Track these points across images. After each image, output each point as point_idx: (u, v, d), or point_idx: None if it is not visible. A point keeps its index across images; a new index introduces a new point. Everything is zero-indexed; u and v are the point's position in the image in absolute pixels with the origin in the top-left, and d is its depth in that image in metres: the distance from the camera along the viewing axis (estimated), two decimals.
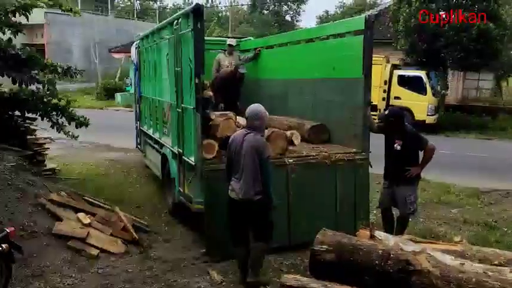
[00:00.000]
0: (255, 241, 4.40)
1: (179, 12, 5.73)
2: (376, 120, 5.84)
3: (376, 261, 3.22)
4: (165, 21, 6.75)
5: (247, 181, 4.22)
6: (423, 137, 5.29)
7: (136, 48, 9.29)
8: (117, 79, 26.80)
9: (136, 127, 9.69)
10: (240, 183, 4.27)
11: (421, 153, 5.24)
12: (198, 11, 4.90)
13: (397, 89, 15.95)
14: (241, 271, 4.51)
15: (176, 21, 5.57)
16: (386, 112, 5.56)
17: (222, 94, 7.53)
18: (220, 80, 7.80)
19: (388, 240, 3.73)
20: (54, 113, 7.35)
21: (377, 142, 5.57)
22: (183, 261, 5.03)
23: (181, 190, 5.66)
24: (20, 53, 6.73)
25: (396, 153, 5.22)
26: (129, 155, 10.78)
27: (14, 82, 6.74)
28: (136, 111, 9.74)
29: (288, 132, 5.82)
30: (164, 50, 6.58)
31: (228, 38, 10.18)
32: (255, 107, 4.41)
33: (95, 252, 4.96)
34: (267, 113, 4.51)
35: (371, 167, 5.70)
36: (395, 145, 5.22)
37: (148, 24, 30.93)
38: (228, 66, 8.28)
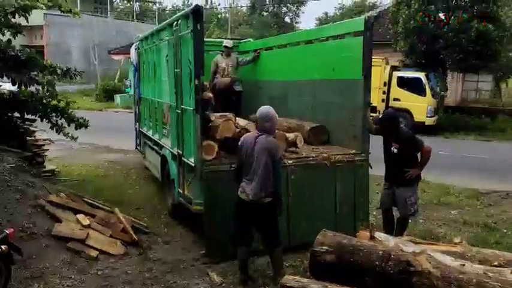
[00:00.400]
0: (269, 249, 4.45)
1: (179, 14, 5.73)
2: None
3: (377, 262, 3.21)
4: (164, 22, 6.75)
5: (258, 183, 4.23)
6: (418, 139, 5.29)
7: (136, 49, 9.29)
8: (116, 80, 26.81)
9: (136, 128, 9.69)
10: (251, 184, 4.27)
11: (418, 155, 5.25)
12: (197, 12, 4.90)
13: (396, 91, 15.96)
14: (242, 272, 4.50)
15: (176, 22, 5.57)
16: (381, 116, 5.57)
17: (222, 106, 7.46)
18: (218, 92, 7.77)
19: (388, 241, 3.73)
20: (53, 114, 7.35)
21: (377, 143, 5.57)
22: (182, 262, 5.02)
23: (181, 191, 5.65)
24: (19, 54, 6.73)
25: (394, 156, 5.23)
26: (129, 157, 10.77)
27: (13, 83, 6.74)
28: (135, 112, 9.74)
29: (292, 135, 5.81)
30: (164, 51, 6.58)
31: (225, 39, 10.15)
32: (265, 109, 4.42)
33: (94, 253, 4.95)
34: (277, 114, 4.51)
35: (371, 168, 5.70)
36: (392, 148, 5.24)
37: (148, 26, 30.91)
38: (225, 68, 8.25)
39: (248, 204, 4.30)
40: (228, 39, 10.01)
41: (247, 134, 4.66)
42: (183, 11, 5.68)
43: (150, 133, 7.99)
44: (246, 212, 4.34)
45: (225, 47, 8.42)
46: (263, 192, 4.23)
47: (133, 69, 9.77)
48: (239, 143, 4.49)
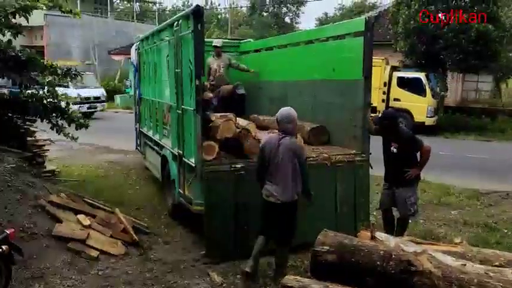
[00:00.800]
0: (277, 245, 4.51)
1: (179, 14, 5.73)
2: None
3: (378, 262, 3.21)
4: (165, 22, 6.75)
5: (288, 184, 4.30)
6: (418, 139, 5.29)
7: (136, 50, 9.29)
8: (116, 81, 26.81)
9: (136, 129, 9.69)
10: (277, 186, 4.33)
11: (418, 154, 5.25)
12: (198, 12, 4.89)
13: (396, 91, 15.98)
14: (253, 259, 4.47)
15: (176, 22, 5.57)
16: (380, 115, 5.57)
17: (225, 109, 7.43)
18: (222, 98, 7.73)
19: (389, 241, 3.72)
20: (54, 114, 7.35)
21: (377, 144, 5.57)
22: (183, 262, 5.02)
23: (181, 191, 5.65)
24: (19, 54, 6.73)
25: (394, 156, 5.23)
26: (129, 157, 10.77)
27: (13, 84, 6.74)
28: (136, 112, 9.74)
29: None
30: (164, 51, 6.57)
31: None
32: (287, 110, 4.47)
33: (94, 253, 4.94)
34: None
35: (371, 168, 5.69)
36: (391, 148, 5.24)
37: (148, 26, 30.88)
38: (216, 70, 8.21)
39: (277, 206, 4.34)
40: (221, 39, 9.92)
41: (270, 135, 4.74)
42: (183, 12, 5.68)
43: (150, 133, 7.99)
44: (275, 213, 4.40)
45: (215, 46, 8.33)
46: (294, 192, 4.33)
47: (134, 70, 9.77)
48: (261, 145, 4.56)
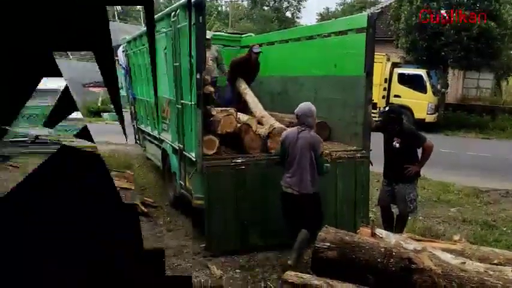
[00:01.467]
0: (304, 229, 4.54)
1: (177, 3, 5.57)
2: (376, 118, 5.82)
3: (379, 259, 3.21)
4: (161, 12, 6.42)
5: (306, 176, 4.41)
6: (421, 135, 5.29)
7: (123, 51, 9.18)
8: (99, 103, 20.81)
9: (134, 126, 9.65)
10: (295, 178, 4.44)
11: (419, 151, 5.24)
12: (199, 5, 4.78)
13: (397, 87, 15.94)
14: (297, 252, 4.47)
15: (174, 13, 5.45)
16: (387, 109, 5.56)
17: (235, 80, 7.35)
18: (235, 65, 7.58)
19: (390, 238, 3.72)
20: None
21: (377, 141, 5.55)
22: (185, 247, 5.08)
23: (183, 183, 5.64)
24: None
25: (395, 151, 5.21)
26: (129, 149, 10.69)
27: None
28: (131, 111, 9.67)
29: None
30: (161, 43, 6.30)
31: (229, 33, 9.98)
32: (307, 105, 4.64)
33: None
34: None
35: (371, 165, 5.67)
36: (393, 143, 5.22)
37: (133, 27, 28.29)
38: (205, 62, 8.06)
39: (296, 197, 4.43)
40: (222, 32, 9.79)
41: (289, 129, 4.86)
42: (181, 1, 5.41)
43: (149, 129, 7.95)
44: (295, 205, 4.48)
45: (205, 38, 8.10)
46: (311, 184, 4.43)
47: (124, 72, 9.56)
48: (281, 138, 4.71)
